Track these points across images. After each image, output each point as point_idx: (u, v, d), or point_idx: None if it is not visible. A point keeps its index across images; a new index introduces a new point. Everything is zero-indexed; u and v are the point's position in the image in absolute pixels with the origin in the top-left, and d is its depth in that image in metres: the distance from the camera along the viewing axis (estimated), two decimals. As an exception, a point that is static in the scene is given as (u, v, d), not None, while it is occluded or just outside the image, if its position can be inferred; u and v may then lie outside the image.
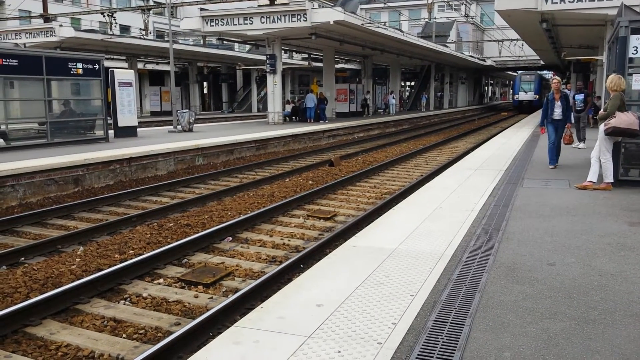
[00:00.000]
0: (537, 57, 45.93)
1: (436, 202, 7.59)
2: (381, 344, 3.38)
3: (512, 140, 17.29)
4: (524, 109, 49.49)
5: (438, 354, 3.27)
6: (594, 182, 8.59)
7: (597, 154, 8.54)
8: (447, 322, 3.70)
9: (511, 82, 75.91)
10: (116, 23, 31.63)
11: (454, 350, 3.31)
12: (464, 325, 3.65)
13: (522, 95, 50.46)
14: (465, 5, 40.75)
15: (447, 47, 43.61)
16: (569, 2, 17.32)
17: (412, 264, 4.92)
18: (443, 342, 3.42)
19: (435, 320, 3.73)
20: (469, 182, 9.25)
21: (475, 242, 5.63)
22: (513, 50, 49.73)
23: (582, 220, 6.55)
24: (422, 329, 3.61)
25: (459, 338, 3.46)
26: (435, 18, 43.81)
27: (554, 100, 10.69)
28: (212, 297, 5.79)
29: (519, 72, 57.19)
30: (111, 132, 17.07)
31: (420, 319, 3.76)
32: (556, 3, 17.47)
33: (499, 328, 3.60)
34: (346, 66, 47.34)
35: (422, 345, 3.39)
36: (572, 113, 11.73)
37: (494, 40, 48.98)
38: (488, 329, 3.58)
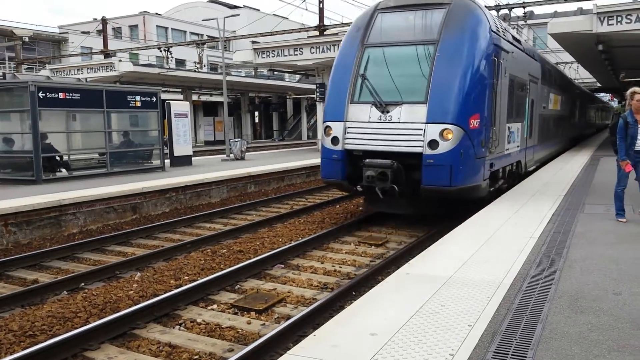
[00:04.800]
0: (594, 80, 44.32)
1: (492, 229, 7.38)
2: (439, 375, 3.25)
3: (570, 164, 16.73)
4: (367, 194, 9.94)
5: (499, 387, 3.13)
6: (660, 208, 8.13)
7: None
8: (507, 354, 3.55)
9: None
10: (172, 57, 32.94)
11: (516, 383, 3.16)
12: (525, 357, 3.49)
13: (353, 139, 9.58)
14: (517, 29, 40.12)
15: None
16: (626, 22, 16.83)
17: (469, 292, 4.77)
18: (504, 374, 3.27)
19: (495, 352, 3.58)
20: (526, 208, 8.97)
21: (535, 270, 5.42)
22: (568, 73, 46.15)
23: (650, 248, 6.21)
24: (482, 360, 3.47)
25: (521, 370, 3.30)
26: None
27: (636, 123, 7.53)
28: (264, 324, 5.79)
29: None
30: (167, 161, 17.58)
31: (479, 350, 3.62)
32: (612, 24, 17.01)
33: (564, 361, 3.42)
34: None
35: (482, 377, 3.25)
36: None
37: (548, 64, 47.27)
38: (552, 362, 3.41)
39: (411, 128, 8.95)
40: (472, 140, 8.90)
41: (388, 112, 9.21)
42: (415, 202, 9.60)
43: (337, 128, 9.71)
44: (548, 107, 16.64)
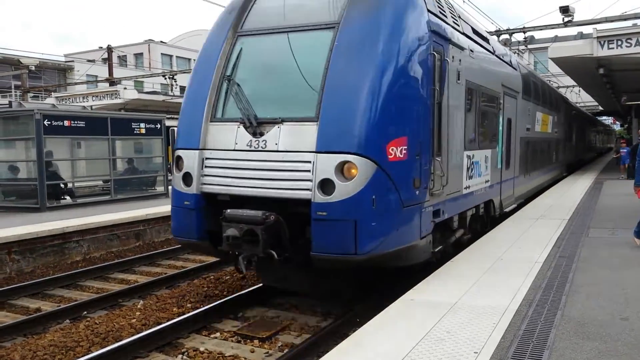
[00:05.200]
0: (596, 103, 44.43)
1: (497, 254, 7.33)
2: (444, 404, 3.19)
3: (573, 188, 16.69)
4: None
5: (506, 416, 3.07)
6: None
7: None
8: (514, 382, 3.49)
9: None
10: (177, 85, 33.22)
11: (524, 412, 3.10)
12: (533, 385, 3.44)
13: (212, 176, 6.44)
14: (519, 53, 40.39)
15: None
16: (626, 46, 16.96)
17: (474, 318, 4.72)
18: (511, 403, 3.21)
19: (501, 379, 3.53)
20: (530, 233, 8.92)
21: (540, 295, 5.37)
22: (569, 97, 46.02)
23: (657, 272, 6.16)
24: (488, 388, 3.42)
25: (528, 399, 3.25)
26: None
27: None
28: (267, 352, 5.72)
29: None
30: (171, 187, 17.59)
31: (485, 377, 3.57)
32: (612, 48, 17.14)
33: (572, 389, 3.36)
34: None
35: (489, 406, 3.20)
36: None
37: (549, 88, 47.40)
38: (560, 390, 3.35)
39: (294, 160, 5.77)
40: (392, 179, 5.66)
41: (262, 134, 6.00)
42: (315, 274, 6.31)
43: (190, 160, 6.46)
44: (534, 129, 13.69)
